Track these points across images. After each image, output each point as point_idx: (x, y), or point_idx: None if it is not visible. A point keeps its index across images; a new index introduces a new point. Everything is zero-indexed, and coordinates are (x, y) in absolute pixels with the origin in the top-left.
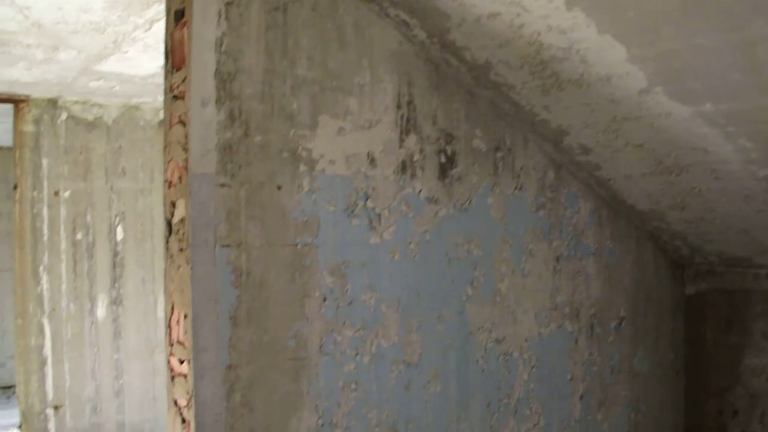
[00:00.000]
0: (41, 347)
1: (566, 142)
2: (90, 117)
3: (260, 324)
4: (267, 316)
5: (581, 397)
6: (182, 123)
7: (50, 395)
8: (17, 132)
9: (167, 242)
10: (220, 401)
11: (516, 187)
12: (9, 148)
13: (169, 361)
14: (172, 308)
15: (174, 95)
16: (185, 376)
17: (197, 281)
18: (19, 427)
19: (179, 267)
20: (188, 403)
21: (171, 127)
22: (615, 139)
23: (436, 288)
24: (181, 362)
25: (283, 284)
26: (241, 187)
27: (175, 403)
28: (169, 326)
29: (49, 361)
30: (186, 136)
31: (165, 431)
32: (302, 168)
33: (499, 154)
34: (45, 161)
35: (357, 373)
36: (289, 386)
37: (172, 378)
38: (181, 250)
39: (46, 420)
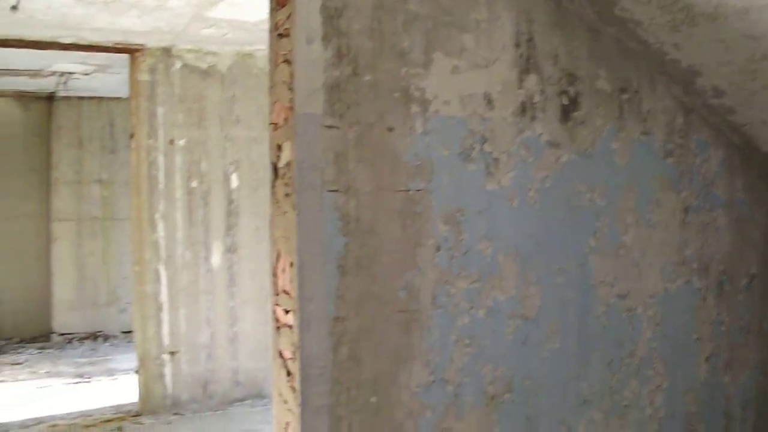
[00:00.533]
0: (157, 294)
1: (698, 84)
2: (204, 65)
3: (369, 273)
4: (376, 265)
5: (707, 359)
6: (287, 62)
7: (166, 341)
8: (133, 81)
9: (273, 187)
10: (326, 354)
11: (642, 132)
12: (127, 99)
13: (274, 311)
14: (278, 256)
15: (279, 33)
16: (290, 327)
17: (303, 227)
18: (137, 371)
19: (285, 213)
20: (293, 355)
21: (276, 66)
22: (752, 81)
23: (556, 238)
24: (287, 312)
25: (393, 232)
26: (349, 129)
27: (280, 354)
28: (274, 274)
29: (165, 307)
30: (291, 75)
31: None
32: (414, 109)
33: (624, 96)
34: (160, 110)
35: (471, 328)
36: (399, 339)
37: (278, 328)
38: (287, 195)
39: (162, 365)
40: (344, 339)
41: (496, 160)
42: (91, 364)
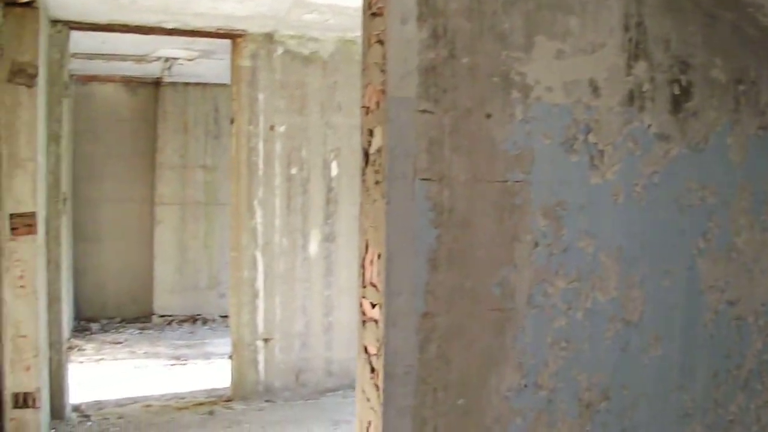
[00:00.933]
0: (254, 280)
1: None
2: (306, 51)
3: (462, 268)
4: (470, 259)
5: None
6: (380, 42)
7: (260, 328)
8: (234, 67)
9: (363, 174)
10: (413, 351)
11: (760, 126)
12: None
13: (360, 304)
14: (366, 246)
15: (372, 12)
16: (376, 321)
17: (393, 217)
18: (230, 357)
19: (374, 201)
20: (378, 351)
21: (369, 47)
22: None
23: (663, 238)
24: (373, 306)
25: (489, 225)
26: (445, 114)
27: (365, 349)
28: (362, 266)
29: (261, 294)
30: (384, 57)
31: None
32: (515, 94)
33: (741, 87)
34: (261, 96)
35: (568, 330)
36: (491, 340)
37: (363, 323)
38: (377, 182)
39: (255, 352)
40: (432, 337)
41: (601, 152)
42: (188, 346)
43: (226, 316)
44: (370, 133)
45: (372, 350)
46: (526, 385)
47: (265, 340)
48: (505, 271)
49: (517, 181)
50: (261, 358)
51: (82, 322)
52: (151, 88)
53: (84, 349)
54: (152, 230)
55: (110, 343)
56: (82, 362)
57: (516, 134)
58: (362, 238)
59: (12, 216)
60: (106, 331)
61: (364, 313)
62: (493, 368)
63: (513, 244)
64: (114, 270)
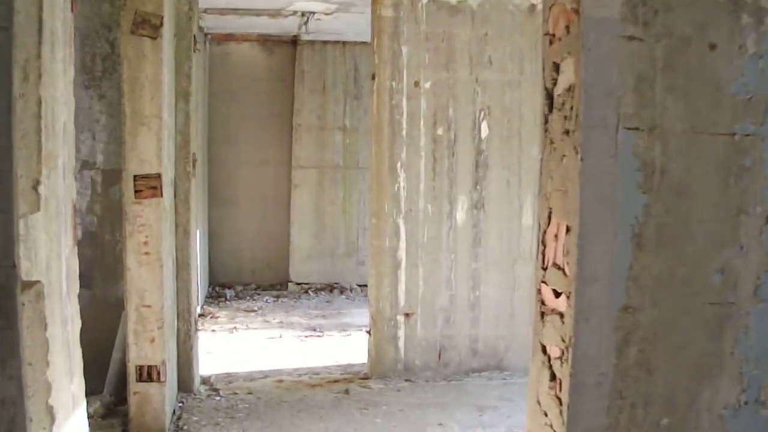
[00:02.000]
0: (395, 249)
1: None
2: (453, 1)
3: (675, 249)
4: (685, 237)
5: None
6: None
7: (402, 301)
8: (375, 18)
9: (546, 122)
10: (608, 356)
11: None
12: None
13: (539, 290)
14: (549, 216)
15: None
16: (561, 315)
17: (589, 179)
18: (368, 331)
19: (563, 157)
20: (562, 354)
21: None
22: None
23: None
24: (558, 295)
25: (710, 192)
26: (656, 43)
27: (543, 349)
28: (542, 242)
29: (403, 264)
30: None
31: (521, 351)
32: (746, 20)
33: None
34: (404, 49)
35: None
36: (706, 342)
37: (542, 315)
38: (566, 132)
39: (395, 327)
40: (633, 337)
41: None
42: (324, 317)
43: (364, 285)
44: (556, 68)
45: (554, 352)
46: (746, 402)
47: (406, 315)
48: (728, 253)
49: (746, 135)
50: (401, 333)
51: (217, 288)
52: (288, 48)
53: (217, 317)
54: (289, 194)
55: (244, 311)
56: (214, 330)
57: (746, 73)
58: (543, 205)
59: (136, 177)
60: (240, 299)
61: (543, 303)
62: (707, 379)
63: (739, 218)
64: (250, 235)
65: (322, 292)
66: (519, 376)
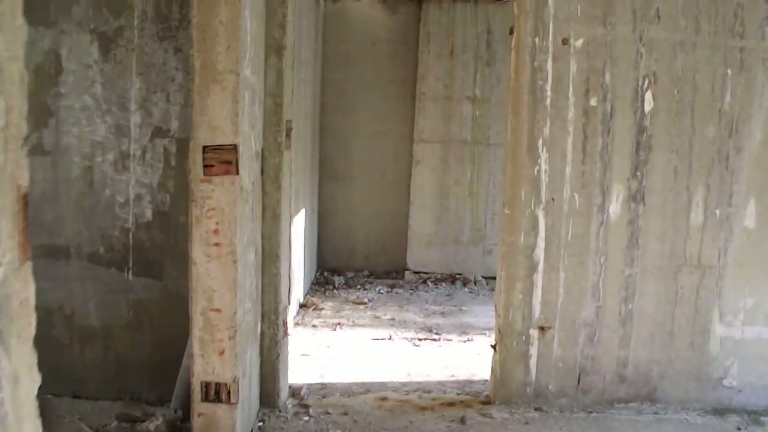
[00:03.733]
0: (532, 248)
1: None
2: None
3: None
4: None
5: None
6: None
7: (536, 312)
8: None
9: None
10: None
11: None
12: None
13: None
14: None
15: None
16: None
17: None
18: (494, 346)
19: None
20: None
21: None
22: None
23: None
24: None
25: None
26: None
27: None
28: None
29: (541, 267)
30: None
31: (678, 379)
32: None
33: None
34: None
35: None
36: None
37: None
38: None
39: (527, 343)
40: None
41: None
42: (442, 314)
43: (490, 278)
44: None
45: None
46: None
47: (542, 329)
48: None
49: None
50: (533, 351)
51: (326, 274)
52: (413, 6)
53: (321, 309)
54: (409, 171)
55: (353, 302)
56: (315, 326)
57: None
58: None
59: (205, 149)
60: (350, 287)
61: None
62: None
63: None
64: (364, 215)
65: (443, 284)
66: (674, 411)
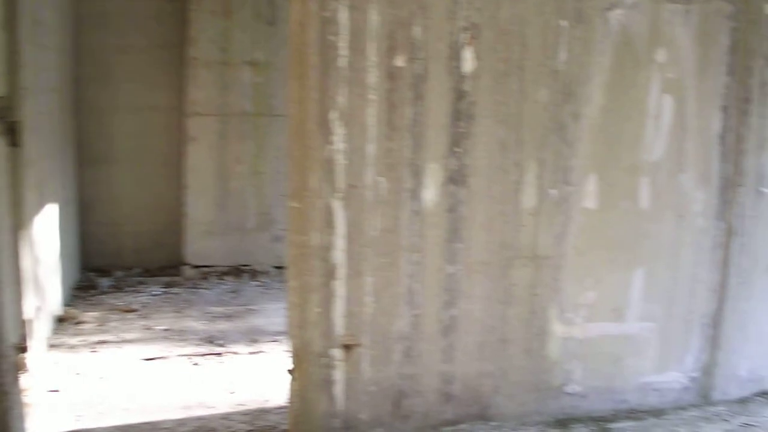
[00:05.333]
0: (328, 248)
1: None
2: None
3: None
4: None
5: None
6: None
7: (339, 328)
8: None
9: None
10: None
11: None
12: None
13: None
14: None
15: None
16: None
17: None
18: (290, 372)
19: None
20: None
21: None
22: None
23: None
24: None
25: None
26: None
27: None
28: None
29: (341, 272)
30: None
31: (514, 392)
32: None
33: None
34: None
35: None
36: None
37: None
38: None
39: (330, 366)
40: None
41: None
42: (227, 317)
43: (282, 267)
44: None
45: None
46: None
47: (347, 348)
48: None
49: None
50: (339, 375)
51: (90, 275)
52: None
53: (81, 323)
54: (182, 150)
55: (121, 310)
56: (73, 347)
57: None
58: None
59: None
60: (119, 290)
61: None
62: None
63: None
64: (132, 203)
65: (228, 278)
66: (511, 427)
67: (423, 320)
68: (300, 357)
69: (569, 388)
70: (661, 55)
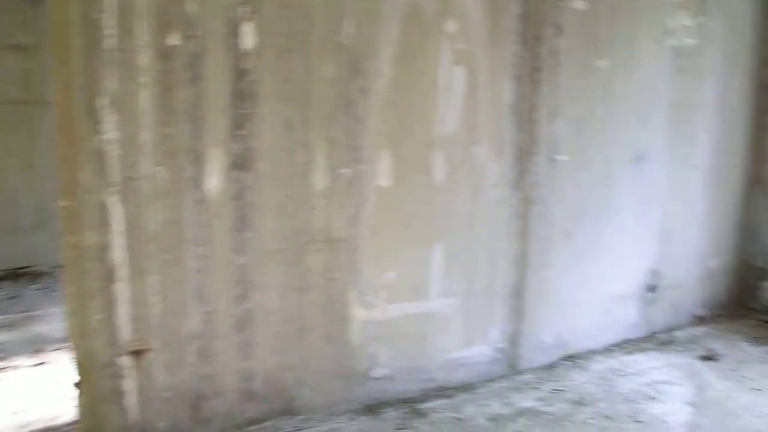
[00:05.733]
0: (105, 248)
1: None
2: None
3: None
4: None
5: None
6: None
7: (125, 333)
8: None
9: None
10: None
11: None
12: None
13: None
14: None
15: None
16: None
17: None
18: (77, 384)
19: None
20: None
21: None
22: None
23: None
24: None
25: None
26: None
27: None
28: None
29: (122, 272)
30: None
31: (319, 382)
32: None
33: None
34: None
35: None
36: None
37: None
38: None
39: (118, 375)
40: None
41: None
42: (7, 326)
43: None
44: None
45: None
46: None
47: (136, 354)
48: None
49: None
50: (129, 384)
51: None
52: None
53: None
54: None
55: None
56: None
57: None
58: None
59: None
60: None
61: None
62: None
63: None
64: None
65: (5, 282)
66: (319, 420)
67: (216, 317)
68: (85, 368)
69: (376, 372)
70: (451, 26)
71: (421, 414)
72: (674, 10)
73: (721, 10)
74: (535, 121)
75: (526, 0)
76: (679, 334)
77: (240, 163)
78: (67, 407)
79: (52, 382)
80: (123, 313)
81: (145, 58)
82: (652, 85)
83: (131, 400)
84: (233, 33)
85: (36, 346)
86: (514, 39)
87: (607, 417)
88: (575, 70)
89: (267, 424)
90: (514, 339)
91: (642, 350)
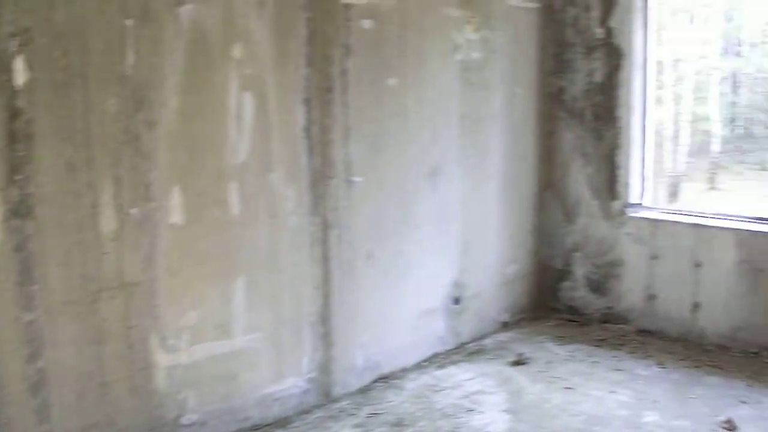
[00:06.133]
0: None
1: None
2: None
3: None
4: None
5: None
6: None
7: None
8: None
9: None
10: None
11: None
12: None
13: None
14: None
15: None
16: None
17: None
18: None
19: None
20: None
21: None
22: None
23: None
24: None
25: None
26: None
27: None
28: None
29: None
30: None
31: None
32: None
33: None
34: None
35: None
36: None
37: None
38: None
39: None
40: None
41: None
42: None
43: None
44: None
45: None
46: None
47: None
48: None
49: None
50: None
51: None
52: None
53: None
54: None
55: None
56: None
57: None
58: None
59: None
60: None
61: None
62: None
63: None
64: None
65: None
66: None
67: (6, 381)
68: None
69: (185, 419)
70: (237, 51)
71: None
72: (459, 25)
73: (504, 23)
74: (329, 143)
75: (313, 21)
76: (487, 342)
77: (19, 211)
78: None
79: None
80: None
81: None
82: (442, 100)
83: None
84: (5, 69)
85: None
86: (304, 61)
87: None
88: (366, 89)
89: None
90: (325, 366)
91: (454, 363)
